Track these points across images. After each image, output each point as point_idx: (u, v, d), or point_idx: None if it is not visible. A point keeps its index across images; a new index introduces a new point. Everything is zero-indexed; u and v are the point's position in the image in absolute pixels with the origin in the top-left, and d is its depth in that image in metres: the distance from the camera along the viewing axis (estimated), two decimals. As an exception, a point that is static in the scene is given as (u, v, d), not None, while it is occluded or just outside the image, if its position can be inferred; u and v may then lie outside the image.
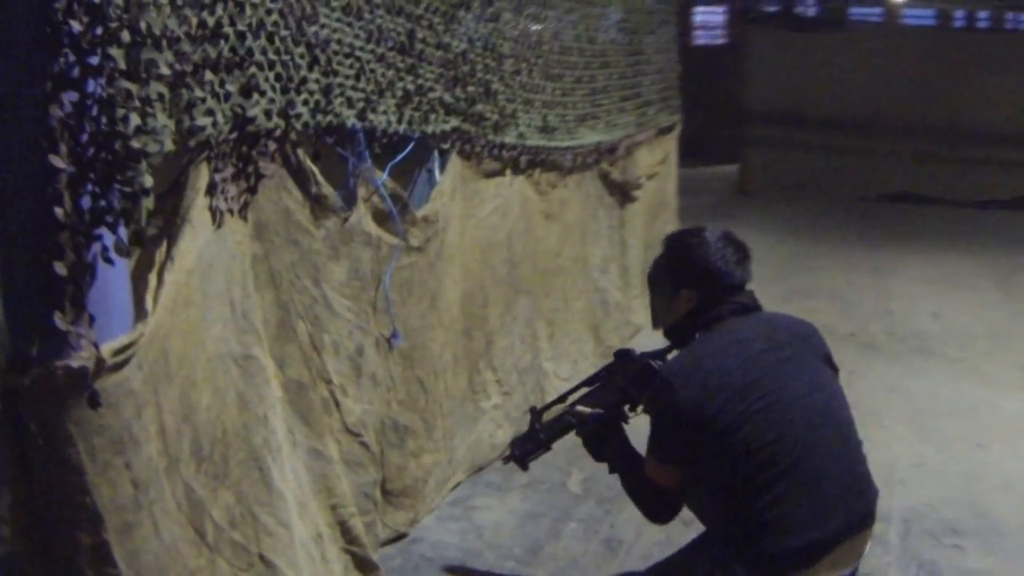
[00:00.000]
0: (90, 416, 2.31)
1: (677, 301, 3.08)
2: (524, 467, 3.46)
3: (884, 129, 13.46)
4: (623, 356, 3.32)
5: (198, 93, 2.57)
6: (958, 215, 12.60)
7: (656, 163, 7.47)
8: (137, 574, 2.45)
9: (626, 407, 3.26)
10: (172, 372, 2.60)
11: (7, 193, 2.19)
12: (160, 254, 2.58)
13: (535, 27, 5.05)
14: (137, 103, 2.22)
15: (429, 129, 4.01)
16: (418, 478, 4.07)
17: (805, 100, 13.63)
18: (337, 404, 3.47)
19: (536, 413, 3.45)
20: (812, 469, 2.78)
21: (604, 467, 3.32)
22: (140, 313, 2.47)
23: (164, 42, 2.36)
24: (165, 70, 2.33)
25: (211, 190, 2.77)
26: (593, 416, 3.22)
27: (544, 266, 5.38)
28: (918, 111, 13.52)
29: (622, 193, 6.63)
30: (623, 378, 3.29)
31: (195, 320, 2.73)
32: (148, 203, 2.25)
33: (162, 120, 2.33)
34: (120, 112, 2.17)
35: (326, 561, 3.30)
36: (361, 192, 3.62)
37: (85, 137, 2.16)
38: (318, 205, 3.34)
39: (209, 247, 2.79)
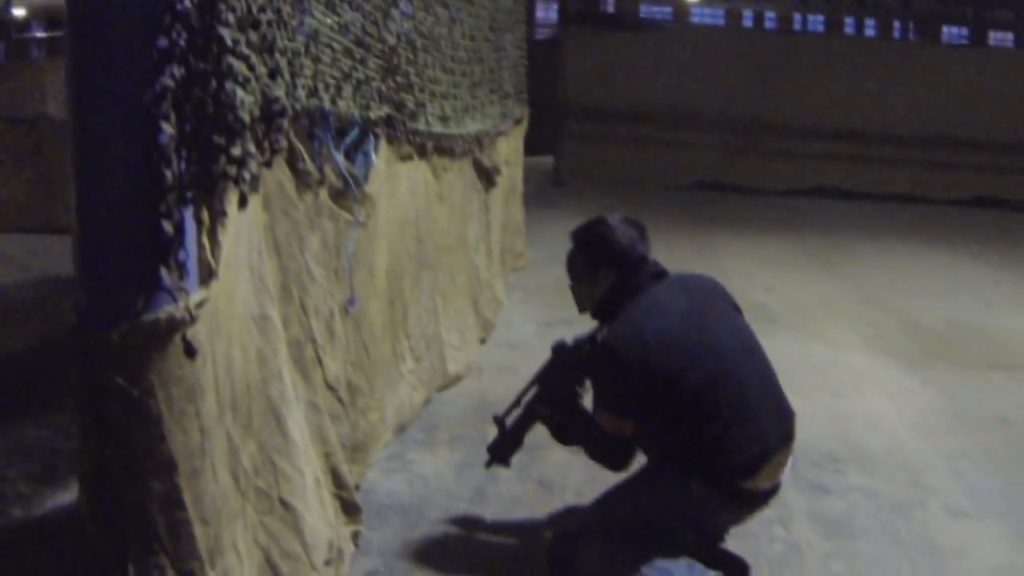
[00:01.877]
0: (170, 367, 2.36)
1: (598, 283, 3.43)
2: (508, 466, 3.83)
3: (692, 122, 14.02)
4: (560, 349, 3.62)
5: (245, 73, 2.64)
6: (768, 202, 13.36)
7: (511, 151, 7.72)
8: (200, 517, 2.50)
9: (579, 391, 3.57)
10: (220, 327, 2.66)
11: (105, 160, 2.23)
12: (206, 219, 2.63)
13: (436, 24, 5.18)
14: (241, 78, 2.29)
15: (371, 115, 4.11)
16: (367, 434, 4.17)
17: (616, 95, 14.03)
18: (320, 362, 3.56)
19: (501, 419, 3.75)
20: (746, 399, 3.21)
21: (533, 448, 4.00)
22: (203, 271, 2.53)
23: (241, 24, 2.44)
24: (245, 50, 2.41)
25: (243, 164, 2.83)
26: (555, 409, 3.56)
27: (439, 243, 5.53)
28: (723, 106, 14.14)
29: (487, 179, 6.82)
30: (570, 368, 3.57)
31: (232, 281, 2.79)
32: (254, 167, 2.33)
33: (245, 95, 2.40)
34: (229, 86, 2.25)
35: (323, 504, 3.38)
36: (326, 170, 3.70)
37: (189, 107, 2.23)
38: (301, 181, 3.42)
39: (236, 213, 2.85)
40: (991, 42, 29.66)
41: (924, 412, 5.56)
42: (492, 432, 4.62)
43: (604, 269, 3.42)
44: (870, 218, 12.69)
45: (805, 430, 4.93)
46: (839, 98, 14.29)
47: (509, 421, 3.75)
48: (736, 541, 3.84)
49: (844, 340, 6.98)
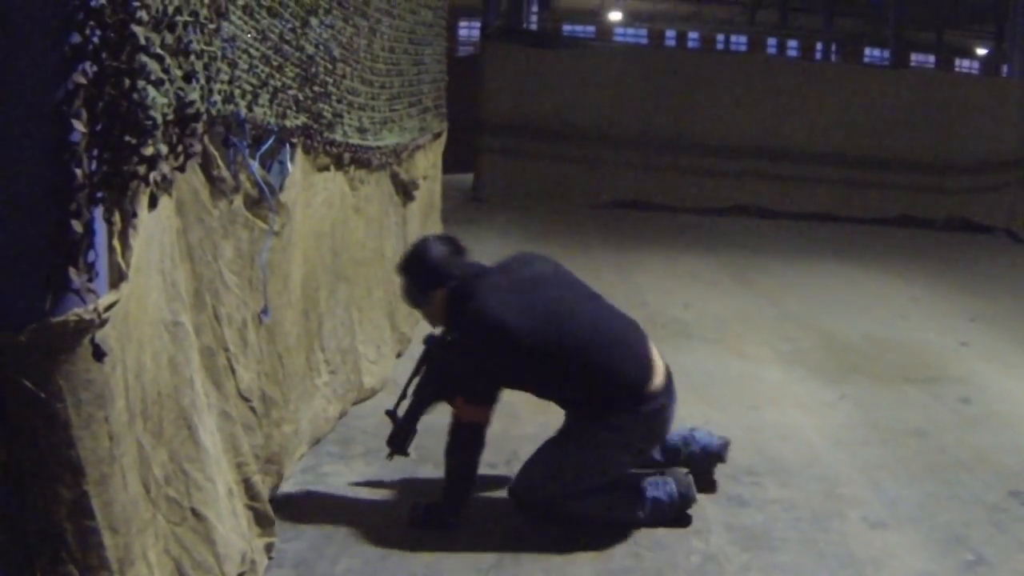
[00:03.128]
0: (79, 371, 2.35)
1: (435, 302, 4.06)
2: (407, 454, 4.31)
3: (611, 140, 14.14)
4: (432, 340, 4.26)
5: (159, 75, 2.65)
6: (688, 220, 13.54)
7: (429, 166, 7.75)
8: (110, 526, 2.48)
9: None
10: (130, 333, 2.66)
11: (13, 157, 2.23)
12: (117, 221, 2.63)
13: (355, 36, 5.21)
14: (153, 78, 2.31)
15: (287, 123, 4.13)
16: (281, 446, 4.17)
17: (536, 112, 14.12)
18: (233, 371, 3.57)
19: (393, 412, 4.26)
20: (607, 330, 4.03)
21: (432, 434, 4.44)
22: (113, 274, 2.53)
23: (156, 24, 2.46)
24: (159, 50, 2.43)
25: (154, 165, 2.84)
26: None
27: (355, 256, 5.55)
28: (643, 124, 14.29)
29: (405, 192, 6.85)
30: (443, 356, 4.16)
31: (143, 286, 2.79)
32: (164, 167, 2.34)
33: (159, 95, 2.42)
34: (141, 84, 2.26)
35: (236, 515, 3.39)
36: (241, 178, 3.72)
37: (100, 106, 2.24)
38: (215, 188, 3.44)
39: (148, 218, 2.85)
40: (912, 63, 30.37)
41: (841, 425, 5.68)
42: (411, 443, 4.69)
43: (432, 289, 4.02)
44: (789, 236, 12.94)
45: (721, 441, 5.08)
46: (760, 117, 14.51)
47: (400, 412, 4.21)
48: (654, 554, 3.93)
49: (761, 355, 7.10)
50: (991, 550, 4.21)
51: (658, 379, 4.05)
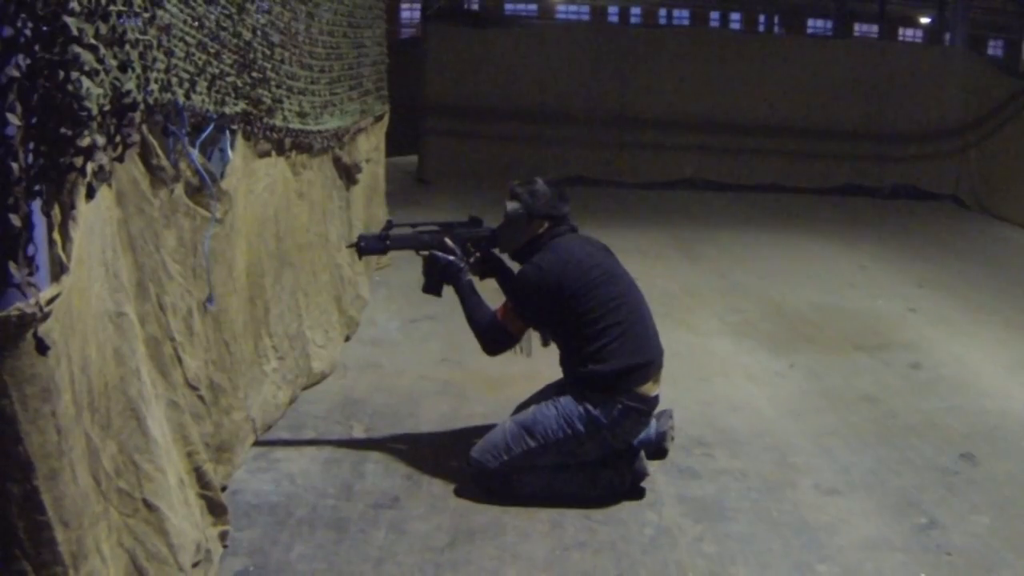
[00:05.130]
0: (23, 365, 2.36)
1: (530, 228, 4.45)
2: (360, 256, 4.90)
3: (556, 118, 14.19)
4: (475, 221, 4.76)
5: (94, 65, 2.66)
6: (635, 195, 13.63)
7: (372, 149, 7.77)
8: (61, 520, 2.49)
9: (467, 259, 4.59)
10: (74, 325, 2.68)
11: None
12: (56, 214, 2.64)
13: (293, 20, 5.21)
14: (87, 68, 2.32)
15: (227, 110, 4.14)
16: (232, 433, 4.19)
17: (479, 92, 14.16)
18: (180, 360, 3.58)
19: (390, 224, 4.65)
20: (636, 322, 4.35)
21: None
22: (54, 267, 2.54)
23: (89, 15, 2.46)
24: (93, 40, 2.44)
25: (91, 156, 2.84)
26: (446, 256, 4.52)
27: (300, 241, 5.56)
28: (588, 101, 14.35)
29: (348, 176, 6.86)
30: (468, 237, 4.66)
31: (85, 278, 2.80)
32: (102, 158, 2.35)
33: (94, 86, 2.43)
34: (75, 75, 2.27)
35: (188, 505, 3.41)
36: (181, 166, 3.72)
37: (35, 98, 2.25)
38: (155, 177, 3.44)
39: (88, 209, 2.86)
40: (856, 33, 30.57)
41: (791, 394, 5.79)
42: (359, 426, 4.73)
43: (539, 218, 4.42)
44: (737, 208, 13.09)
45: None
46: (705, 90, 14.62)
47: (396, 232, 4.63)
48: (608, 528, 3.99)
49: (710, 327, 7.21)
50: (943, 513, 4.31)
51: (655, 389, 4.36)
